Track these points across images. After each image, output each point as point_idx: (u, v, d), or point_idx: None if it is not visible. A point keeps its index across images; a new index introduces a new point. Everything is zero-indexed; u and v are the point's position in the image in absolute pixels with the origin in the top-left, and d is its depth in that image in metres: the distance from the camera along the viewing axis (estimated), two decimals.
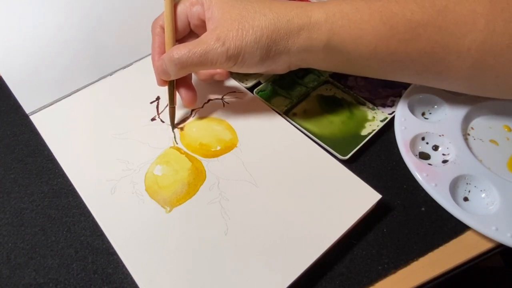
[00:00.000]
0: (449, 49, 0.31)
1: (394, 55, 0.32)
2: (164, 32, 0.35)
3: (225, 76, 0.39)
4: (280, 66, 0.35)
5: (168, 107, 0.37)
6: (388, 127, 0.38)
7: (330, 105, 0.40)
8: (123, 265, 0.30)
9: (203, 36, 0.33)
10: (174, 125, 0.38)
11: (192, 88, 0.37)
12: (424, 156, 0.36)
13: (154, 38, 0.36)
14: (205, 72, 0.38)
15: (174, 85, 0.36)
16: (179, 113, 0.38)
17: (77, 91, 0.40)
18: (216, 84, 0.41)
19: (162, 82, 0.36)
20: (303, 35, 0.32)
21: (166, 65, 0.33)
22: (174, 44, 0.35)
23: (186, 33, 0.36)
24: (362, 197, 0.32)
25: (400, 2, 0.31)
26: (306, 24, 0.32)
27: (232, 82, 0.41)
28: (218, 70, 0.38)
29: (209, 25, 0.33)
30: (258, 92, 0.41)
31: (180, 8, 0.35)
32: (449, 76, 0.33)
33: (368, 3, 0.32)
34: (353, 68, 0.36)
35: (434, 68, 0.33)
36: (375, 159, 0.37)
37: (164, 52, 0.35)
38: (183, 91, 0.37)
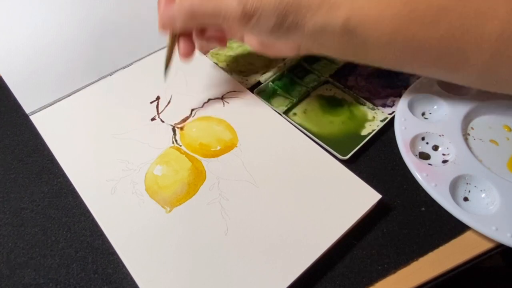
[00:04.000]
0: (468, 37, 0.30)
1: (412, 40, 0.31)
2: None
3: (223, 43, 0.37)
4: (289, 44, 0.33)
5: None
6: (388, 127, 0.38)
7: (330, 105, 0.40)
8: (123, 265, 0.30)
9: None
10: (168, 66, 0.36)
11: (191, 40, 0.36)
12: (424, 156, 0.36)
13: None
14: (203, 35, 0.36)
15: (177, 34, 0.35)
16: (179, 114, 0.38)
17: (77, 91, 0.40)
18: (216, 84, 0.41)
19: (164, 28, 0.34)
20: (322, 11, 0.30)
21: (174, 11, 0.31)
22: None
23: None
24: (362, 197, 0.32)
25: None
26: (326, 0, 0.30)
27: (232, 82, 0.41)
28: (218, 34, 0.36)
29: None
30: (258, 92, 0.41)
31: None
32: (466, 67, 0.32)
33: None
34: (368, 55, 0.34)
35: (452, 57, 0.32)
36: (375, 159, 0.37)
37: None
38: (182, 40, 0.35)
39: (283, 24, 0.31)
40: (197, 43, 0.37)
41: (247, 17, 0.30)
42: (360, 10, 0.30)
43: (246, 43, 0.35)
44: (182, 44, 0.35)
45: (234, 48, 0.46)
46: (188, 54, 0.36)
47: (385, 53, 0.33)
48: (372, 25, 0.31)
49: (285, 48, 0.33)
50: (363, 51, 0.33)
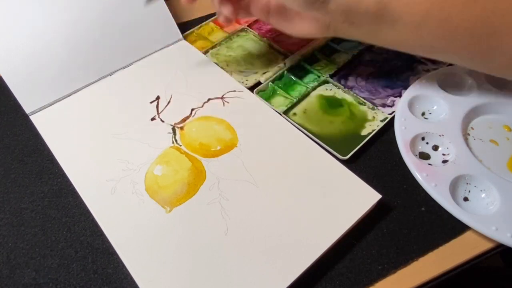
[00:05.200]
0: (503, 20, 0.29)
1: (446, 21, 0.30)
2: None
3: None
4: (320, 22, 0.33)
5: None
6: (388, 127, 0.38)
7: (330, 105, 0.40)
8: (123, 265, 0.30)
9: None
10: None
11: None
12: (424, 156, 0.36)
13: None
14: None
15: None
16: (179, 114, 0.38)
17: (77, 91, 0.40)
18: (216, 83, 0.41)
19: None
20: None
21: None
22: None
23: None
24: (362, 197, 0.32)
25: None
26: None
27: (232, 82, 0.41)
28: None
29: None
30: (258, 92, 0.41)
31: None
32: (499, 53, 0.31)
33: None
34: (398, 37, 0.33)
35: (485, 41, 0.31)
36: (375, 159, 0.37)
37: None
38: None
39: None
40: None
41: None
42: None
43: (272, 23, 0.35)
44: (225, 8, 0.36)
45: (234, 48, 0.46)
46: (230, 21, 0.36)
47: (417, 35, 0.32)
48: (405, 5, 0.30)
49: (315, 26, 0.33)
50: (394, 33, 0.32)
